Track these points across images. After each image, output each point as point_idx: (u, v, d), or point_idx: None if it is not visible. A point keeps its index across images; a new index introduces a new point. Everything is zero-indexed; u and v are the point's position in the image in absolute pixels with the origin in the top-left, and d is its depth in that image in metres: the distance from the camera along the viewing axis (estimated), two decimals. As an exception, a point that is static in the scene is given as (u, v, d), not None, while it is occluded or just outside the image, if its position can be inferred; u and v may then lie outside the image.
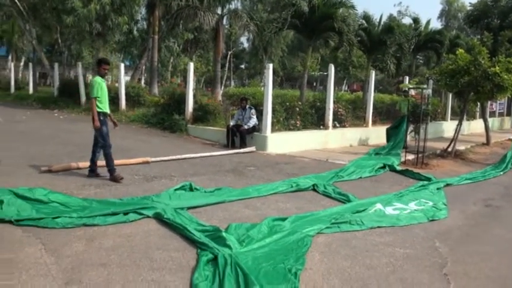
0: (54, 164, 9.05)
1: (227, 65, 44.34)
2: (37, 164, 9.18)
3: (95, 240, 5.08)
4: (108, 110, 8.61)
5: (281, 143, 13.73)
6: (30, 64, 34.53)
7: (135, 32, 34.81)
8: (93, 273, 4.47)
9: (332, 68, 15.97)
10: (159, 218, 6.18)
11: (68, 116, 20.59)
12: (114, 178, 8.37)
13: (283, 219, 6.32)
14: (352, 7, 21.21)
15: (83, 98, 22.75)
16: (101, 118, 8.41)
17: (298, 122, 15.46)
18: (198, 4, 23.03)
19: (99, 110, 8.39)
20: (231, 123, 13.95)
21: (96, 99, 8.36)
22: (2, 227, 5.66)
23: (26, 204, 6.40)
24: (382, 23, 25.15)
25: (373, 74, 18.40)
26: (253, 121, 13.70)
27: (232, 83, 54.04)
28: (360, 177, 10.39)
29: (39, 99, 26.86)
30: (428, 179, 10.33)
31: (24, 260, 4.74)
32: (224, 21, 25.94)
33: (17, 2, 28.10)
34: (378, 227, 6.55)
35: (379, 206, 7.56)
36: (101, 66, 8.58)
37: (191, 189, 7.89)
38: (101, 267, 4.61)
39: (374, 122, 18.45)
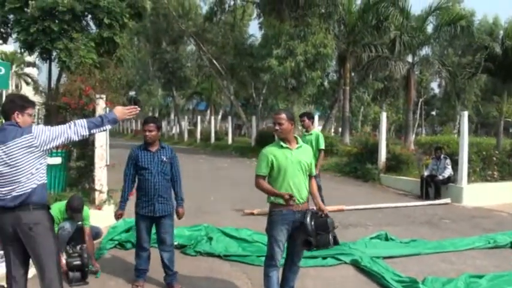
0: (250, 207, 9.82)
1: (418, 112, 43.31)
2: (238, 206, 10.08)
3: (298, 280, 5.39)
4: None
5: (477, 195, 12.78)
6: (229, 117, 37.89)
7: (326, 84, 36.02)
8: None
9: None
10: (355, 264, 6.37)
11: (266, 164, 21.94)
12: None
13: (480, 277, 6.01)
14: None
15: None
16: None
17: (495, 173, 14.38)
18: (389, 54, 23.20)
19: None
20: (425, 173, 13.53)
21: None
22: (212, 261, 6.55)
23: (232, 242, 7.24)
24: None
25: None
26: (448, 171, 13.09)
27: (423, 131, 52.38)
28: None
29: (237, 148, 29.08)
30: None
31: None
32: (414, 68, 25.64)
33: (215, 63, 31.76)
34: None
35: None
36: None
37: (386, 239, 7.90)
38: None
39: None
